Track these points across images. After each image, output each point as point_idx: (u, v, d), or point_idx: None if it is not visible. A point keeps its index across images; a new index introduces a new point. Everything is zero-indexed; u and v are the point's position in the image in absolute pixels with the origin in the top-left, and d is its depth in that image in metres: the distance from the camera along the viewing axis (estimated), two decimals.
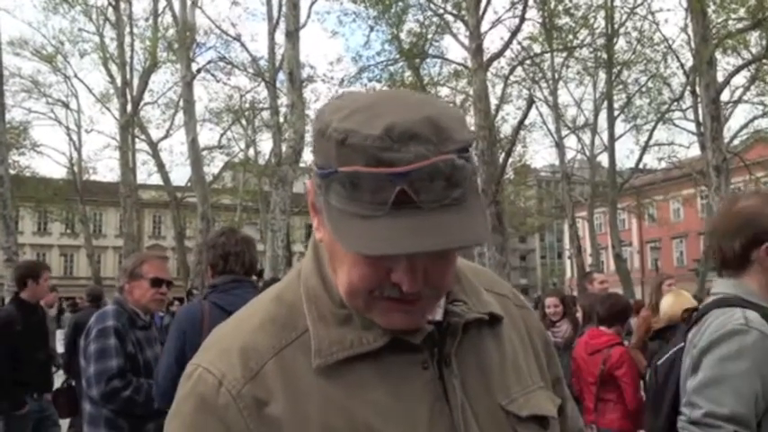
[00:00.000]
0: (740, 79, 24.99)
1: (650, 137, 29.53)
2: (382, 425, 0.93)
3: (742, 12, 19.43)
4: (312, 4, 22.66)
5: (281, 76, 22.00)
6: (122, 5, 27.51)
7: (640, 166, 31.74)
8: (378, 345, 0.96)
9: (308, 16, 22.95)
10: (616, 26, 26.45)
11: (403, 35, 24.12)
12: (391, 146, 0.86)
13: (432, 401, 0.97)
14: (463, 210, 0.89)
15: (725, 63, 23.13)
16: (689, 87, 25.63)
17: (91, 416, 3.64)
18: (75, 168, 36.28)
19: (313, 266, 1.04)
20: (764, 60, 22.03)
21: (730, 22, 20.12)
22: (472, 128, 23.77)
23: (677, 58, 26.43)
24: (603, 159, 32.73)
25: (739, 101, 27.00)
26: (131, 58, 28.69)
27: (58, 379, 6.38)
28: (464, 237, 0.88)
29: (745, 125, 28.83)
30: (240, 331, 1.01)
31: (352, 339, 0.97)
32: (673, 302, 5.03)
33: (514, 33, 20.98)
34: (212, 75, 27.66)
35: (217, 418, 0.93)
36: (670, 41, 26.92)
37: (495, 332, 1.09)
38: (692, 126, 27.42)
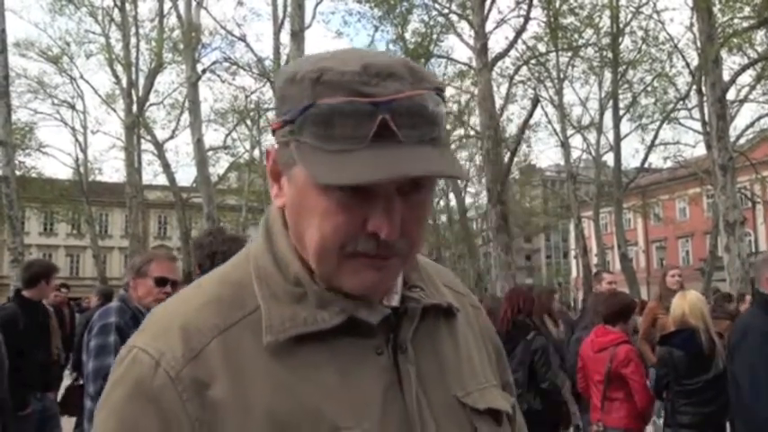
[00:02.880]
0: (746, 78, 24.89)
1: (656, 136, 29.50)
2: (332, 409, 0.88)
3: (747, 10, 19.37)
4: (317, 4, 22.84)
5: None
6: (128, 7, 27.57)
7: (646, 165, 31.70)
8: (333, 323, 0.91)
9: (314, 17, 23.12)
10: (621, 25, 26.41)
11: (408, 35, 24.15)
12: (369, 80, 0.85)
13: (385, 387, 0.92)
14: (441, 148, 0.88)
15: (730, 62, 23.06)
16: (694, 86, 25.55)
17: (90, 412, 3.64)
18: (81, 169, 36.38)
19: (264, 246, 0.99)
20: None
21: (736, 20, 20.06)
22: (478, 128, 23.80)
23: (683, 57, 26.36)
24: (609, 159, 32.68)
25: (745, 100, 26.91)
26: (137, 58, 28.75)
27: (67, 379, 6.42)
28: (446, 168, 0.87)
29: (751, 124, 28.79)
30: (182, 310, 0.94)
31: (306, 317, 0.91)
32: (675, 305, 4.93)
33: (519, 33, 20.95)
34: (217, 75, 27.81)
35: (151, 404, 0.85)
36: (675, 40, 26.86)
37: (451, 326, 1.06)
38: (697, 125, 27.34)
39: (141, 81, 28.37)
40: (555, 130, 31.35)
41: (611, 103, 29.88)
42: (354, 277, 0.91)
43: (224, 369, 0.88)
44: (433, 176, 0.89)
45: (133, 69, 28.26)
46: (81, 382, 5.43)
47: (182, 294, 1.00)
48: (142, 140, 30.16)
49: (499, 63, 22.23)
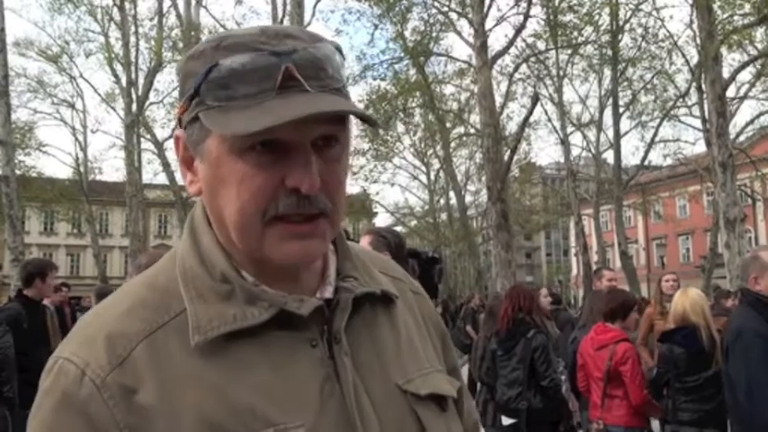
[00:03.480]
0: (746, 75, 24.94)
1: (656, 134, 29.51)
2: (267, 407, 0.86)
3: (747, 7, 19.34)
4: (317, 2, 22.86)
5: None
6: (127, 5, 27.53)
7: (646, 163, 31.69)
8: (263, 318, 0.89)
9: (313, 15, 23.11)
10: (621, 22, 26.38)
11: (407, 33, 24.14)
12: (269, 41, 0.87)
13: (321, 381, 0.91)
14: (345, 97, 0.90)
15: (730, 59, 23.10)
16: (694, 83, 25.54)
17: None
18: (81, 168, 36.35)
19: (189, 245, 0.97)
20: None
21: (736, 17, 20.03)
22: (477, 126, 23.83)
23: (682, 54, 26.33)
24: (609, 156, 32.70)
25: (745, 97, 26.92)
26: (136, 57, 28.70)
27: None
28: (354, 109, 0.89)
29: (751, 121, 28.79)
30: (106, 318, 0.92)
31: (235, 314, 0.89)
32: (675, 302, 4.95)
33: (519, 30, 20.96)
34: None
35: (79, 414, 0.84)
36: (675, 38, 26.88)
37: (390, 312, 1.04)
38: (697, 122, 27.35)
39: (141, 80, 28.36)
40: (555, 127, 31.35)
41: (610, 100, 29.89)
42: (279, 247, 0.89)
43: (151, 374, 0.86)
44: (343, 118, 0.90)
45: (133, 68, 28.24)
46: None
47: (107, 301, 0.98)
48: (142, 139, 30.15)
49: (499, 61, 22.29)
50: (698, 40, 20.09)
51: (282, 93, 0.85)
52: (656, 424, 5.26)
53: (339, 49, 0.93)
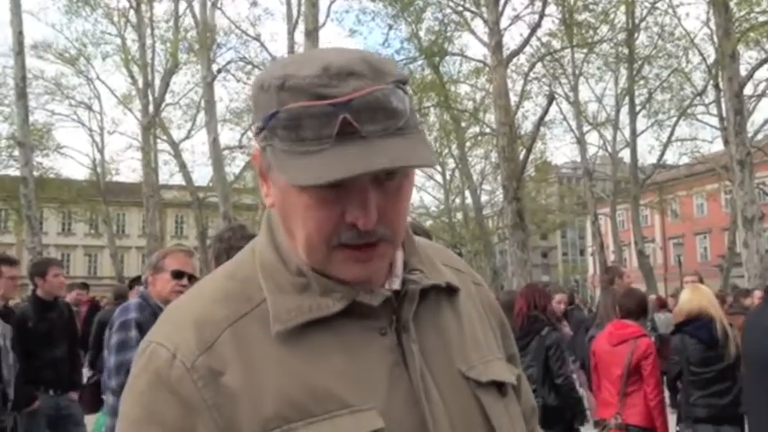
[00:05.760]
0: (763, 73, 24.78)
1: (672, 132, 29.34)
2: (341, 390, 0.93)
3: (765, 4, 19.22)
4: (331, 3, 22.73)
5: None
6: (143, 8, 27.71)
7: (662, 161, 31.49)
8: (336, 308, 0.96)
9: (327, 15, 23.08)
10: (637, 21, 26.28)
11: (422, 33, 24.16)
12: (329, 82, 0.89)
13: (390, 366, 0.97)
14: (407, 138, 0.92)
15: (747, 57, 22.92)
16: (711, 81, 25.37)
17: (113, 408, 3.68)
18: (98, 169, 36.64)
19: (267, 240, 1.05)
20: None
21: (753, 14, 19.89)
22: (493, 125, 23.78)
23: (699, 52, 26.15)
24: (625, 155, 32.53)
25: (763, 95, 26.69)
26: (152, 59, 28.91)
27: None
28: (410, 157, 0.91)
29: None
30: (194, 306, 1.00)
31: (311, 305, 0.96)
32: (690, 297, 5.04)
33: (534, 29, 20.92)
34: (232, 75, 27.88)
35: (171, 392, 0.92)
36: (692, 35, 26.67)
37: (453, 303, 1.11)
38: (714, 121, 27.16)
39: (157, 81, 28.54)
40: (570, 126, 31.21)
41: (626, 99, 29.74)
42: (343, 269, 0.97)
43: (236, 357, 0.93)
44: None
45: (149, 70, 28.44)
46: (96, 378, 5.48)
47: (193, 291, 1.07)
48: (158, 140, 30.32)
49: (514, 60, 22.23)
50: (715, 38, 19.97)
51: (340, 141, 0.88)
52: (672, 422, 5.23)
53: (402, 81, 0.95)
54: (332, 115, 0.88)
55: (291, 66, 0.94)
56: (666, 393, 5.23)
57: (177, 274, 3.75)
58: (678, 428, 5.00)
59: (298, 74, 0.91)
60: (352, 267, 0.96)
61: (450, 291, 1.11)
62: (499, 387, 1.08)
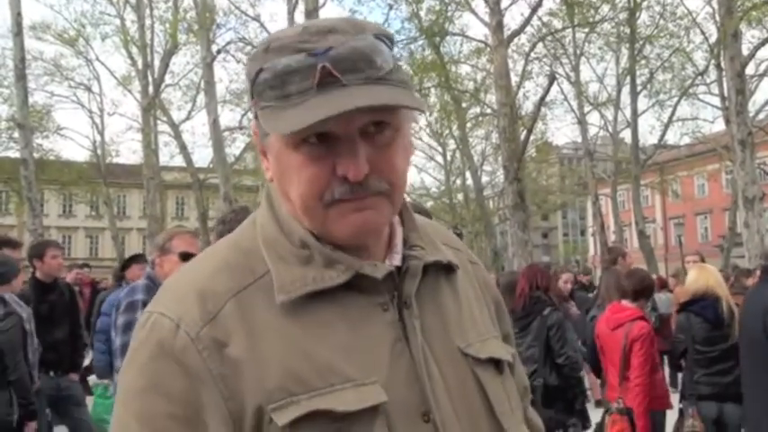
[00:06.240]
0: (766, 52, 24.64)
1: (673, 112, 29.27)
2: (343, 363, 0.94)
3: None
4: None
5: None
6: None
7: (663, 141, 31.43)
8: (340, 280, 0.97)
9: None
10: (638, 0, 26.10)
11: (422, 13, 24.00)
12: (309, 38, 0.93)
13: (392, 341, 0.98)
14: (390, 87, 0.94)
15: (750, 36, 22.80)
16: (713, 61, 25.26)
17: None
18: (99, 151, 36.56)
19: (268, 213, 1.05)
20: None
21: None
22: (494, 105, 23.70)
23: (701, 31, 26.06)
24: (626, 135, 32.47)
25: (765, 74, 26.62)
26: (152, 40, 28.77)
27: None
28: (393, 99, 0.93)
29: None
30: (196, 276, 1.00)
31: (315, 276, 0.97)
32: (697, 277, 5.05)
33: (535, 9, 20.78)
34: (232, 55, 27.75)
35: (175, 362, 0.92)
36: (694, 15, 26.53)
37: (451, 281, 1.12)
38: (716, 100, 27.07)
39: (157, 62, 28.43)
40: (571, 106, 31.14)
41: (628, 79, 29.64)
42: (341, 223, 0.97)
43: (240, 328, 0.94)
44: (381, 108, 0.93)
45: (148, 51, 28.31)
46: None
47: (194, 262, 1.07)
48: (158, 122, 30.25)
49: (515, 40, 22.09)
50: (717, 17, 19.87)
51: (322, 90, 0.91)
52: (674, 400, 5.26)
53: (385, 35, 0.97)
54: (312, 67, 0.91)
55: (276, 33, 0.98)
56: (667, 371, 5.25)
57: (185, 256, 3.75)
58: (681, 405, 5.01)
59: (281, 36, 0.95)
60: (350, 218, 0.96)
61: (449, 269, 1.12)
62: (496, 364, 1.10)
